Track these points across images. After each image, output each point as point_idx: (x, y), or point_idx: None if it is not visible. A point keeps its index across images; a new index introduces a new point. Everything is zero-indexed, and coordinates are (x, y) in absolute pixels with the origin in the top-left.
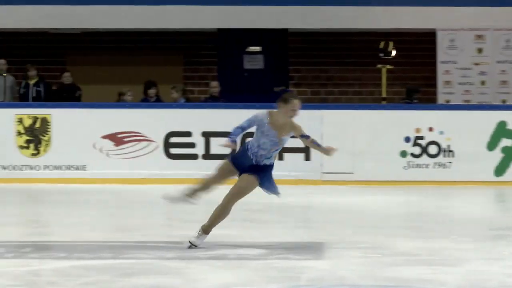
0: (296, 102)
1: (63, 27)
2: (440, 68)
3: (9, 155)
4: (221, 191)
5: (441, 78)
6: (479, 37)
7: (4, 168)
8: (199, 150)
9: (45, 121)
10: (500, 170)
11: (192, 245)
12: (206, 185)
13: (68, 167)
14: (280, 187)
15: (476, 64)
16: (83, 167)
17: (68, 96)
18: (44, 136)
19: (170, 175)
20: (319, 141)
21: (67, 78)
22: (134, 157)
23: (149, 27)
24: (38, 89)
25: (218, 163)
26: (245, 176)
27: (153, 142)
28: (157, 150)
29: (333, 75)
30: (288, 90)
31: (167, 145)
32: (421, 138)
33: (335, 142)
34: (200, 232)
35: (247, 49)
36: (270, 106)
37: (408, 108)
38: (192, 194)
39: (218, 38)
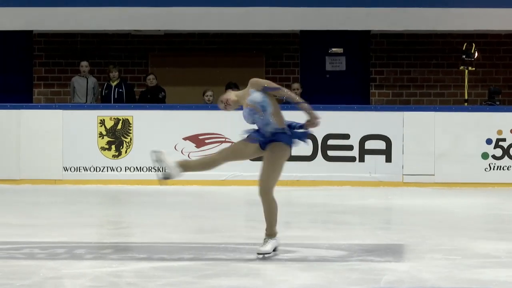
0: None
1: (145, 29)
2: None
3: (91, 157)
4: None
5: None
6: None
7: (85, 169)
8: None
9: (126, 123)
10: None
11: (264, 254)
12: (208, 165)
13: (149, 169)
14: (361, 189)
15: None
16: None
17: (152, 98)
18: (126, 138)
19: (251, 177)
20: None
21: (151, 80)
22: None
23: (231, 29)
24: (120, 90)
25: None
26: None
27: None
28: None
29: (415, 77)
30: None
31: None
32: (503, 140)
33: (416, 143)
34: (266, 239)
35: (329, 51)
36: (350, 108)
37: (490, 110)
38: (184, 167)
39: (300, 40)
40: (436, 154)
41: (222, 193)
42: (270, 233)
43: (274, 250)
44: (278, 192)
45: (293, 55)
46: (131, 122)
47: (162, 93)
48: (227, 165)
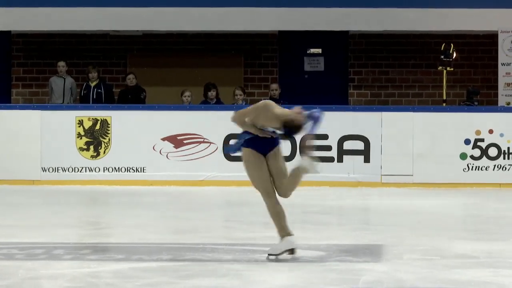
0: None
1: (124, 29)
2: (501, 70)
3: (69, 157)
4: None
5: (502, 80)
6: None
7: (64, 170)
8: None
9: (105, 123)
10: None
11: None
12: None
13: (128, 169)
14: (340, 189)
15: None
16: (142, 169)
17: (133, 98)
18: (104, 138)
19: (229, 177)
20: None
21: (131, 79)
22: (193, 159)
23: (210, 29)
24: (99, 91)
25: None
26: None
27: (213, 144)
28: (216, 152)
29: (394, 77)
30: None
31: None
32: (481, 140)
33: (394, 144)
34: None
35: (308, 51)
36: (329, 108)
37: (469, 110)
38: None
39: (278, 40)
40: (415, 155)
41: (200, 193)
42: (280, 235)
43: (290, 252)
44: (256, 193)
45: (272, 55)
46: (109, 122)
47: (144, 93)
48: (205, 165)
